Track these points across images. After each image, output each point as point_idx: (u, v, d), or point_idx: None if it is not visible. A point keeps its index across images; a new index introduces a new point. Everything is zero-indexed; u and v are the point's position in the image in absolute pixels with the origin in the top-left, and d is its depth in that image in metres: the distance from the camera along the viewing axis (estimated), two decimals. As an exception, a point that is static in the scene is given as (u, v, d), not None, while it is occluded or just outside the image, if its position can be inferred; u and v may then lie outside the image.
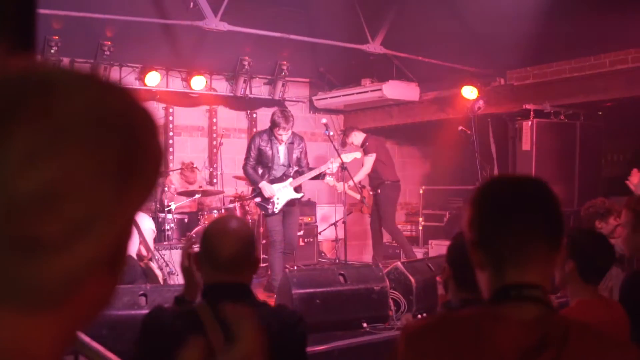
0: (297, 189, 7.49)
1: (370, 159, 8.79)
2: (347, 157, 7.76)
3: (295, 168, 7.51)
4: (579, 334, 1.43)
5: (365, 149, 8.87)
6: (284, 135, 7.31)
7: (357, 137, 9.01)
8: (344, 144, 9.34)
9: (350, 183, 8.34)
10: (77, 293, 0.64)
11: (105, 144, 0.64)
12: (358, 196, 8.58)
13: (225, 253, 2.26)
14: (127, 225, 0.69)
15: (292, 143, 7.49)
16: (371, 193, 9.17)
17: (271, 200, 7.35)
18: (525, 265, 1.46)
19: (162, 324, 2.27)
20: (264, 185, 7.32)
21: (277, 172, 7.44)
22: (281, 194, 7.38)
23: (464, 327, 1.46)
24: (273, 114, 7.43)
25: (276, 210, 7.38)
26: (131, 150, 0.66)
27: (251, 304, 2.30)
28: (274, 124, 7.30)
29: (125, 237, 0.69)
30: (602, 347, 1.44)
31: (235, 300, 2.24)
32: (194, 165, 9.07)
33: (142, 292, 4.91)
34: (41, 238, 0.60)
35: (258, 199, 7.45)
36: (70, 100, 0.63)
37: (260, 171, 7.43)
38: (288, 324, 2.33)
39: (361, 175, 8.83)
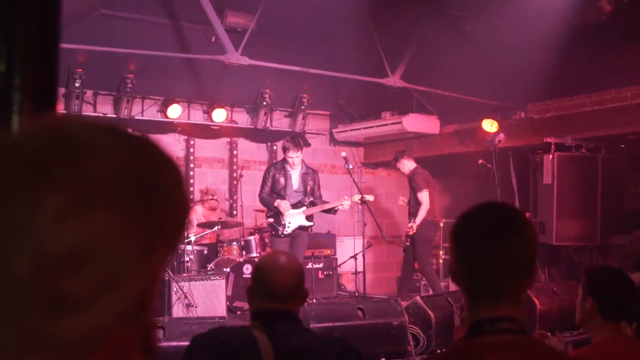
0: (309, 218, 7.64)
1: (425, 195, 8.66)
2: (356, 198, 7.83)
3: (311, 198, 7.66)
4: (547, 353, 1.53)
5: (414, 184, 8.75)
6: (295, 158, 7.52)
7: (407, 165, 8.91)
8: (394, 166, 9.23)
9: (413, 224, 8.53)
10: (103, 344, 0.66)
11: (130, 204, 0.66)
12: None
13: (279, 286, 2.40)
14: (153, 277, 0.70)
15: (306, 173, 7.71)
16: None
17: (282, 223, 7.48)
18: (497, 299, 1.51)
19: (220, 339, 2.37)
20: (279, 202, 7.49)
21: (292, 199, 7.59)
22: (293, 219, 7.54)
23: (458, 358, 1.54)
24: (283, 140, 7.71)
25: (286, 232, 7.51)
26: (156, 208, 0.68)
27: (300, 329, 2.43)
28: (284, 149, 7.60)
29: (151, 288, 0.71)
30: None
31: (286, 325, 2.38)
32: (214, 197, 9.10)
33: (159, 324, 4.90)
34: (67, 295, 0.62)
35: (271, 220, 7.58)
36: (96, 162, 0.65)
37: (274, 197, 7.61)
38: (338, 351, 2.38)
39: (423, 212, 8.65)
